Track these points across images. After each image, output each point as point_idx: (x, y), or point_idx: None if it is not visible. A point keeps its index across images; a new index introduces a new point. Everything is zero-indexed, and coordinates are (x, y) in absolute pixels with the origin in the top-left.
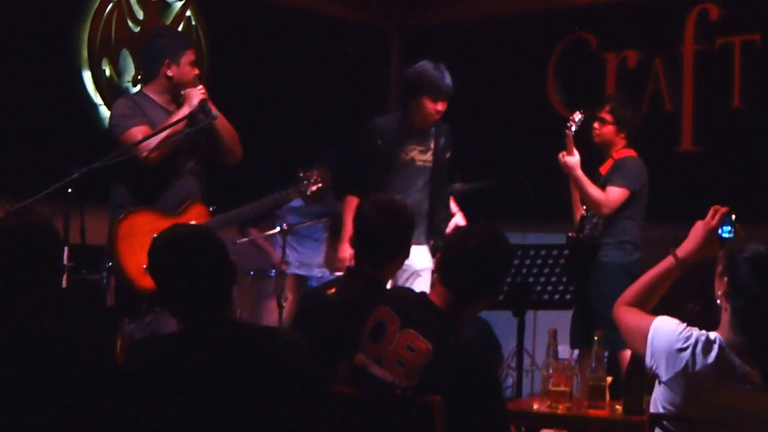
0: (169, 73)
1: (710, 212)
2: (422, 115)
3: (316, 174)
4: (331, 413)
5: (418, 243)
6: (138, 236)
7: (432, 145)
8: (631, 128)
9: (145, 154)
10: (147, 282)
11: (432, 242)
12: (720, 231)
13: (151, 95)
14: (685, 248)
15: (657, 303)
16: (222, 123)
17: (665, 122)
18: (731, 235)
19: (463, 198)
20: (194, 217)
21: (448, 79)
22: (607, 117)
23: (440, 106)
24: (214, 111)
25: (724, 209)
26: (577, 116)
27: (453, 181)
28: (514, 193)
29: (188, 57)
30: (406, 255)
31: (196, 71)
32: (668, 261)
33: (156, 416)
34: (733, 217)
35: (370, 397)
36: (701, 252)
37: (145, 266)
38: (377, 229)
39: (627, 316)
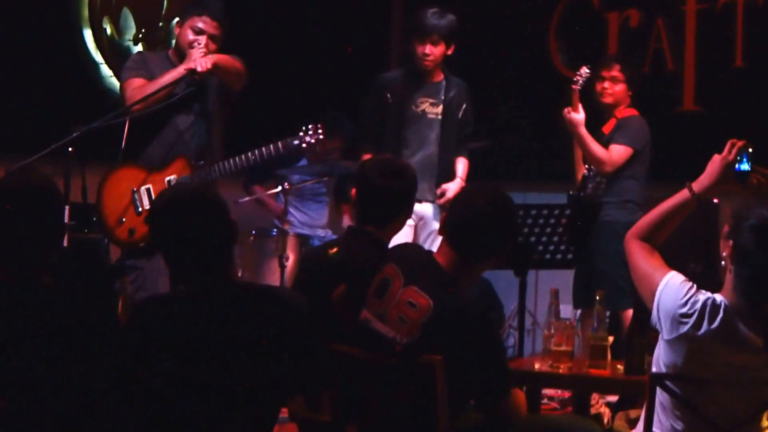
0: (176, 31)
1: (727, 146)
2: (415, 61)
3: (316, 128)
4: (332, 371)
5: (429, 199)
6: (119, 189)
7: (443, 98)
8: (637, 87)
9: (127, 104)
10: (121, 233)
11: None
12: (737, 165)
13: (171, 55)
14: (701, 182)
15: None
16: (221, 67)
17: (667, 82)
18: (749, 168)
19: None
20: (174, 171)
21: (433, 19)
22: (619, 76)
23: (428, 49)
24: (201, 67)
25: (741, 143)
26: (584, 71)
27: (473, 140)
28: (516, 153)
29: (192, 21)
30: (408, 215)
31: (197, 39)
32: (683, 194)
33: (158, 375)
34: (751, 150)
35: (371, 355)
36: (718, 186)
37: (123, 219)
38: (380, 189)
39: (639, 258)
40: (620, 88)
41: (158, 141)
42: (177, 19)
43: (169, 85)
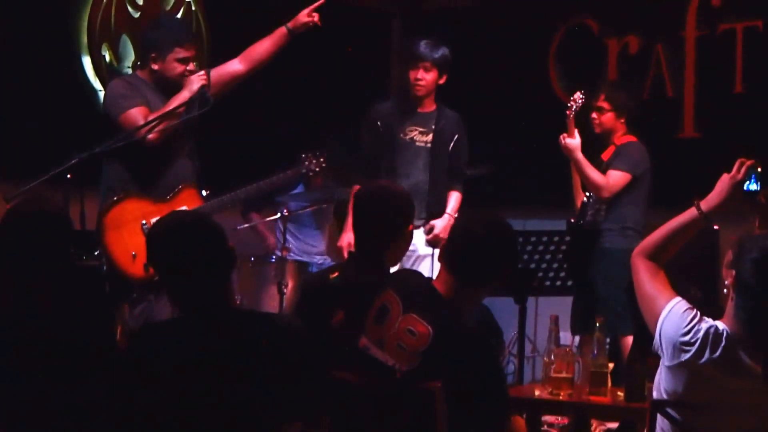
0: (155, 66)
1: (736, 165)
2: (408, 87)
3: (318, 157)
4: (331, 397)
5: (416, 225)
6: (126, 223)
7: (433, 127)
8: (629, 111)
9: (149, 136)
10: (136, 269)
11: (426, 228)
12: (746, 185)
13: (145, 78)
14: (709, 201)
15: None
16: (284, 40)
17: (667, 108)
18: (758, 188)
19: (464, 184)
20: (185, 202)
21: (426, 48)
22: (605, 105)
23: (420, 74)
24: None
25: (750, 162)
26: (578, 96)
27: (474, 168)
28: (516, 179)
29: (176, 54)
30: (406, 239)
31: (187, 67)
32: (691, 212)
33: (156, 401)
34: (759, 170)
35: (370, 381)
36: (726, 205)
37: (133, 253)
38: (373, 215)
39: (644, 278)
40: (608, 116)
41: (160, 169)
42: (152, 54)
43: (176, 110)
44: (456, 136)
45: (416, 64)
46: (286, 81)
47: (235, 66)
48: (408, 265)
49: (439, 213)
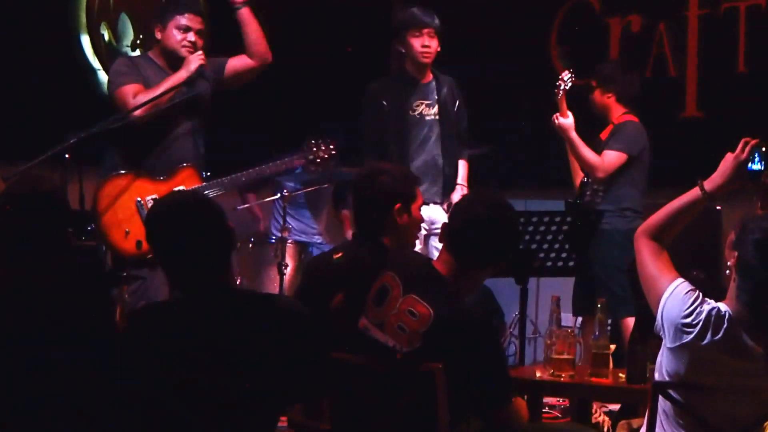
0: (158, 35)
1: (740, 145)
2: (413, 57)
3: (328, 143)
4: (332, 378)
5: (437, 201)
6: (121, 200)
7: (436, 97)
8: (619, 86)
9: (134, 113)
10: (128, 246)
11: (445, 205)
12: (750, 164)
13: (154, 58)
14: (713, 181)
15: None
16: (247, 16)
17: (669, 88)
18: (762, 167)
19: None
20: (184, 182)
21: (426, 15)
22: (593, 83)
23: (427, 40)
24: (238, 3)
25: (754, 141)
26: (567, 75)
27: (476, 145)
28: (516, 160)
29: (176, 22)
30: (403, 219)
31: (186, 36)
32: (695, 192)
33: (155, 383)
34: (764, 149)
35: (371, 362)
36: (730, 185)
37: (127, 230)
38: (359, 197)
39: (647, 258)
40: (596, 94)
41: (159, 148)
42: (156, 23)
43: (172, 90)
44: (458, 102)
45: (420, 31)
46: (284, 58)
47: (247, 60)
48: (430, 243)
49: (455, 187)
